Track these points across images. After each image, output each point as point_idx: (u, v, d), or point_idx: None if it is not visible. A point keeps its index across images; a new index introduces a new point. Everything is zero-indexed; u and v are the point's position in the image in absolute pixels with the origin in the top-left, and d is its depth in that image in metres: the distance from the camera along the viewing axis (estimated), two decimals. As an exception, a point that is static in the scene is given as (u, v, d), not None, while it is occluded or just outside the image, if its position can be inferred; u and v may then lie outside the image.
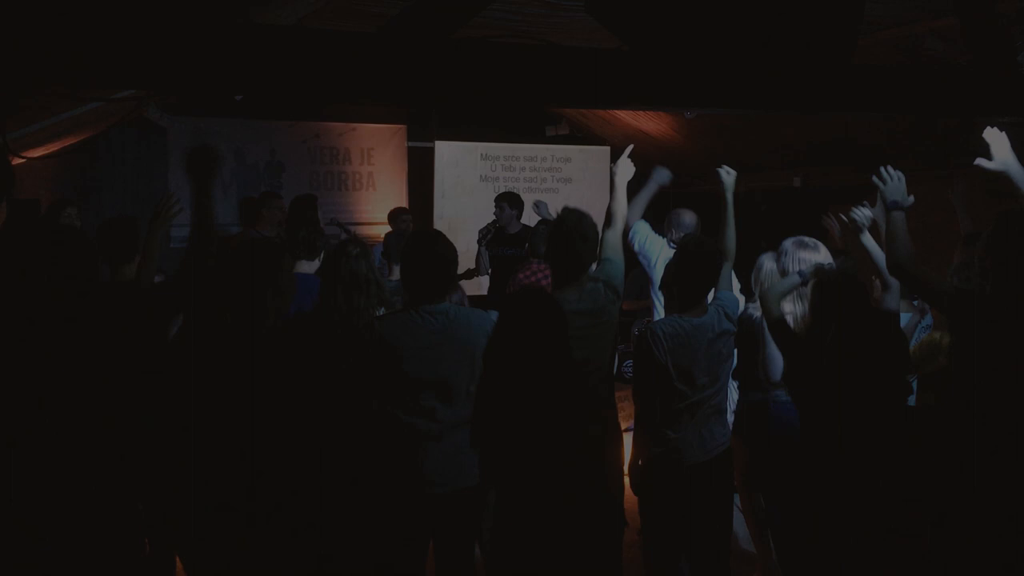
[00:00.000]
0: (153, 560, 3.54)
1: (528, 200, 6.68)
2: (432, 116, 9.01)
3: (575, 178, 9.02)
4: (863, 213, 3.60)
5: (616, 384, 3.87)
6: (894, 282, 3.36)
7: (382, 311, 3.20)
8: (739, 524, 3.86)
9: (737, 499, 3.84)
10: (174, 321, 3.22)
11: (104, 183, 8.13)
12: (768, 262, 3.85)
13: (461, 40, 2.67)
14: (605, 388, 3.51)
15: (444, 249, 3.10)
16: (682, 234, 4.77)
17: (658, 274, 4.64)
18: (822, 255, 3.63)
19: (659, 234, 4.94)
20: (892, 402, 3.27)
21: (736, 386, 3.99)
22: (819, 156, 7.40)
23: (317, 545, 2.85)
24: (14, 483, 2.44)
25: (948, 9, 4.35)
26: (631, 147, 3.88)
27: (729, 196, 3.83)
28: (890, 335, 3.32)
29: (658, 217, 5.06)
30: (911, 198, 3.18)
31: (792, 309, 3.55)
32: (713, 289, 3.52)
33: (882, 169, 3.21)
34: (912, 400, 4.02)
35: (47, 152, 7.18)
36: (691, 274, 3.38)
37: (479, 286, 6.87)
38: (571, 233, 3.39)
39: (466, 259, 6.98)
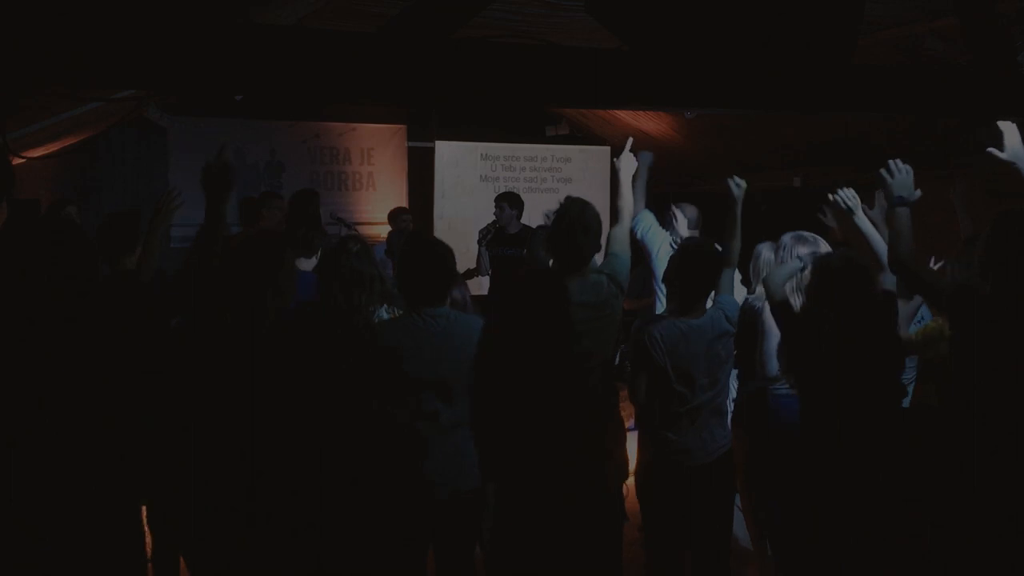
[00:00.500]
0: (156, 560, 3.55)
1: (528, 200, 6.69)
2: (432, 116, 9.02)
3: (575, 178, 9.02)
4: (848, 193, 3.59)
5: (619, 383, 3.87)
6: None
7: (385, 309, 3.20)
8: (739, 524, 3.86)
9: (737, 499, 3.84)
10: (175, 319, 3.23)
11: (104, 183, 8.13)
12: (766, 252, 3.85)
13: (461, 40, 2.66)
14: (607, 382, 3.50)
15: (441, 252, 3.10)
16: (684, 227, 4.79)
17: (660, 266, 4.64)
18: (821, 249, 3.64)
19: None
20: (891, 391, 3.26)
21: (736, 375, 3.99)
22: (819, 156, 7.40)
23: (317, 545, 2.85)
24: (14, 483, 2.44)
25: (948, 9, 4.36)
26: (631, 140, 3.86)
27: (738, 209, 3.78)
28: (888, 321, 3.30)
29: (659, 217, 5.05)
30: (918, 192, 3.16)
31: (793, 304, 3.56)
32: (714, 292, 3.51)
33: (891, 163, 3.18)
34: (911, 390, 4.03)
35: (47, 152, 7.18)
36: (691, 276, 3.37)
37: (479, 286, 6.87)
38: (573, 224, 3.37)
39: (466, 259, 6.99)
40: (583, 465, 2.92)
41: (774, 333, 3.63)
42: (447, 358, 3.01)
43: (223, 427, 2.76)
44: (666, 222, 4.95)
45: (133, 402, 2.68)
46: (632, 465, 3.68)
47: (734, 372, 3.93)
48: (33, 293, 2.51)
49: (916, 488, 3.22)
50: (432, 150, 8.65)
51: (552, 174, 9.01)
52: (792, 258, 3.60)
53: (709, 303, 3.46)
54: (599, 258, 3.54)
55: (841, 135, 6.73)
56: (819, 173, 7.70)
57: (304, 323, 3.03)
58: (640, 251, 4.72)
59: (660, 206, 5.07)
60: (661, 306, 4.77)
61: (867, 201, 3.67)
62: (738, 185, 3.78)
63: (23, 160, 5.61)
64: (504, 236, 6.52)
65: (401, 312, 3.16)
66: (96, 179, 8.12)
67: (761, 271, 3.85)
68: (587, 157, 9.12)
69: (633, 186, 3.89)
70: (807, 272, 3.42)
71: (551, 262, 3.46)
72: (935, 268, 4.14)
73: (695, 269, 3.37)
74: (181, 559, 3.46)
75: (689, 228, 4.91)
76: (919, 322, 3.91)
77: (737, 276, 3.91)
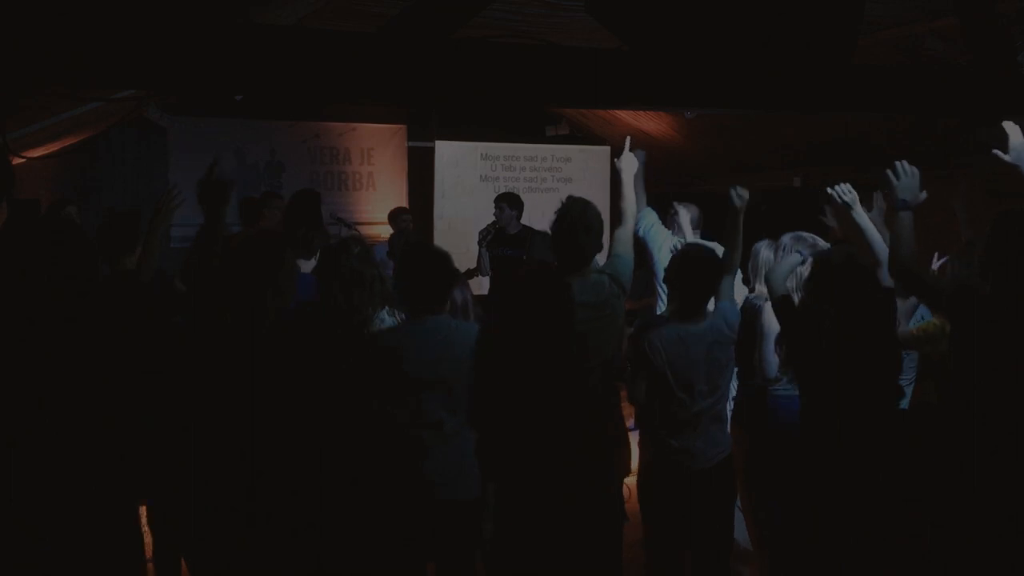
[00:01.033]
0: (158, 561, 3.55)
1: (528, 200, 6.69)
2: (432, 116, 9.02)
3: (575, 178, 9.02)
4: (845, 188, 3.58)
5: (619, 383, 3.86)
6: (886, 258, 3.36)
7: (387, 312, 3.19)
8: (738, 524, 3.86)
9: (737, 499, 3.84)
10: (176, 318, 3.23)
11: (104, 183, 8.13)
12: (765, 250, 3.86)
13: (461, 40, 2.67)
14: (607, 382, 3.50)
15: (440, 259, 3.09)
16: (688, 227, 4.79)
17: (662, 265, 4.64)
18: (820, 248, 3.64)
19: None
20: (889, 390, 3.26)
21: (736, 374, 3.99)
22: (819, 156, 7.40)
23: (317, 545, 2.85)
24: (14, 483, 2.44)
25: (948, 9, 4.36)
26: (629, 139, 3.85)
27: (739, 219, 3.73)
28: (888, 318, 3.30)
29: (660, 217, 5.05)
30: (923, 195, 3.14)
31: (793, 299, 3.55)
32: (714, 299, 3.51)
33: (897, 164, 3.16)
34: (911, 391, 4.03)
35: (47, 152, 7.18)
36: (691, 282, 3.36)
37: (479, 286, 6.88)
38: (575, 224, 3.36)
39: (467, 259, 6.99)
40: (583, 465, 2.91)
41: (772, 336, 3.63)
42: (447, 365, 3.00)
43: (223, 427, 2.76)
44: (668, 222, 4.95)
45: (133, 402, 2.68)
46: (633, 464, 3.68)
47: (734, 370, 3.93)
48: (33, 293, 2.51)
49: (916, 488, 3.22)
50: (432, 150, 8.65)
51: (552, 174, 9.01)
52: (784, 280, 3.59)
53: (710, 304, 3.46)
54: (602, 259, 3.54)
55: (841, 135, 6.73)
56: (819, 173, 7.70)
57: (304, 323, 3.03)
58: (642, 250, 4.72)
59: (660, 206, 5.07)
60: (663, 305, 4.77)
61: (865, 202, 3.66)
62: (740, 196, 3.73)
63: (23, 160, 5.61)
64: (504, 236, 6.52)
65: (404, 316, 3.17)
66: (96, 179, 8.11)
67: (760, 270, 3.85)
68: (587, 157, 9.12)
69: (635, 186, 3.88)
70: (807, 265, 3.41)
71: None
72: (938, 265, 4.14)
73: (696, 275, 3.35)
74: (182, 560, 3.45)
75: (692, 228, 4.92)
76: (920, 320, 3.92)
77: (738, 275, 3.91)
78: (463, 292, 3.53)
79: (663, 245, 4.76)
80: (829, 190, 3.65)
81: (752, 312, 3.74)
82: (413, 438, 3.01)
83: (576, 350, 2.96)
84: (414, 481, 3.01)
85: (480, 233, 6.63)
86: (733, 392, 4.02)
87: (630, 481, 3.63)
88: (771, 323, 3.60)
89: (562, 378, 2.89)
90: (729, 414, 3.70)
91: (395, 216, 7.55)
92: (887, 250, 3.47)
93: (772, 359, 3.60)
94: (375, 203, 8.92)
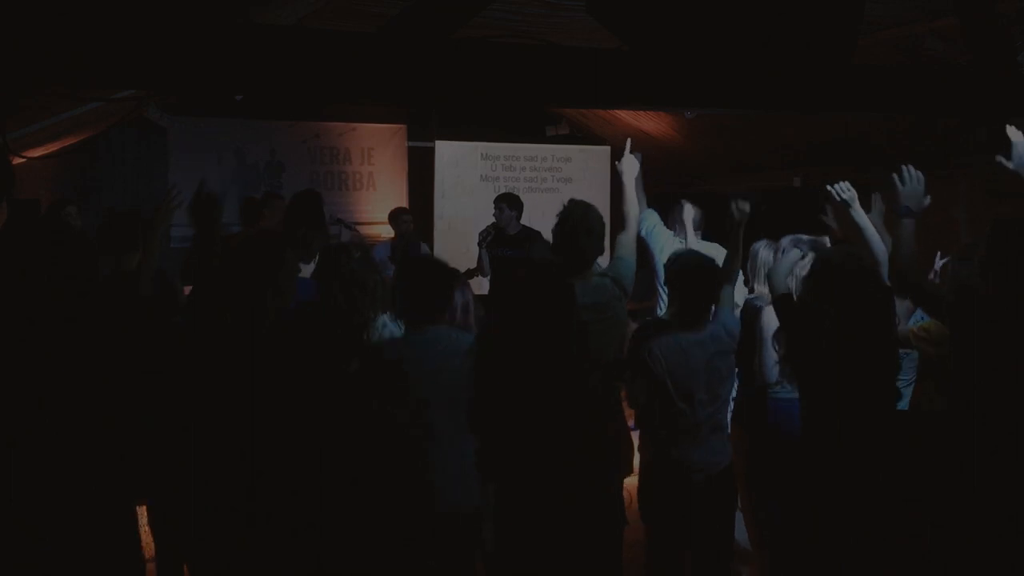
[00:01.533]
0: (160, 562, 3.55)
1: (529, 200, 6.69)
2: (432, 116, 9.01)
3: (575, 178, 9.02)
4: (844, 186, 3.58)
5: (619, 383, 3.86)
6: (884, 257, 3.36)
7: (389, 317, 3.18)
8: (738, 524, 3.86)
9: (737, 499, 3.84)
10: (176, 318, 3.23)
11: (104, 183, 8.12)
12: (763, 251, 3.86)
13: (461, 40, 2.67)
14: (608, 382, 3.49)
15: (439, 270, 3.08)
16: (691, 226, 4.79)
17: (663, 266, 4.63)
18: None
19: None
20: (888, 390, 3.26)
21: (736, 374, 3.99)
22: (819, 156, 7.40)
23: (317, 545, 2.85)
24: (14, 483, 2.44)
25: (948, 9, 4.36)
26: (630, 141, 3.85)
27: (740, 231, 3.74)
28: (887, 318, 3.30)
29: (663, 217, 5.06)
30: (927, 200, 3.13)
31: (794, 296, 3.55)
32: (714, 306, 3.51)
33: (903, 168, 3.14)
34: (911, 391, 4.03)
35: (47, 152, 7.18)
36: (691, 290, 3.35)
37: (479, 286, 6.88)
38: (576, 227, 3.37)
39: (466, 259, 6.99)
40: (583, 465, 2.91)
41: (772, 340, 3.63)
42: (447, 375, 2.99)
43: (223, 427, 2.76)
44: (672, 221, 4.95)
45: (133, 402, 2.68)
46: (634, 462, 3.68)
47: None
48: (33, 293, 2.51)
49: (916, 488, 3.22)
50: (432, 150, 8.64)
51: (552, 174, 9.00)
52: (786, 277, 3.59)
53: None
54: (603, 260, 3.53)
55: (841, 135, 6.73)
56: (819, 173, 7.70)
57: (304, 323, 3.03)
58: (643, 251, 4.73)
59: (661, 206, 5.08)
60: (663, 306, 4.77)
61: (864, 204, 3.66)
62: (740, 210, 3.73)
63: (23, 160, 5.61)
64: (504, 237, 6.52)
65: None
66: (96, 179, 8.11)
67: (759, 270, 3.84)
68: (587, 157, 9.11)
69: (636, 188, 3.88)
70: (806, 260, 3.41)
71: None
72: (939, 265, 4.13)
73: (695, 284, 3.34)
74: (183, 560, 3.45)
75: (694, 230, 4.92)
76: (920, 319, 3.91)
77: (740, 278, 3.91)
78: (464, 293, 3.48)
79: (665, 247, 4.76)
80: (828, 188, 3.65)
81: (752, 313, 3.74)
82: (413, 438, 3.00)
83: (576, 350, 2.96)
84: (414, 482, 3.00)
85: (480, 235, 6.63)
86: (733, 393, 4.02)
87: (631, 483, 3.63)
88: (771, 327, 3.59)
89: (562, 378, 2.89)
90: (729, 415, 3.70)
91: (395, 217, 7.54)
92: (884, 250, 3.47)
93: (772, 364, 3.60)
94: (375, 203, 8.91)
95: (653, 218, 4.84)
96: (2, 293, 2.53)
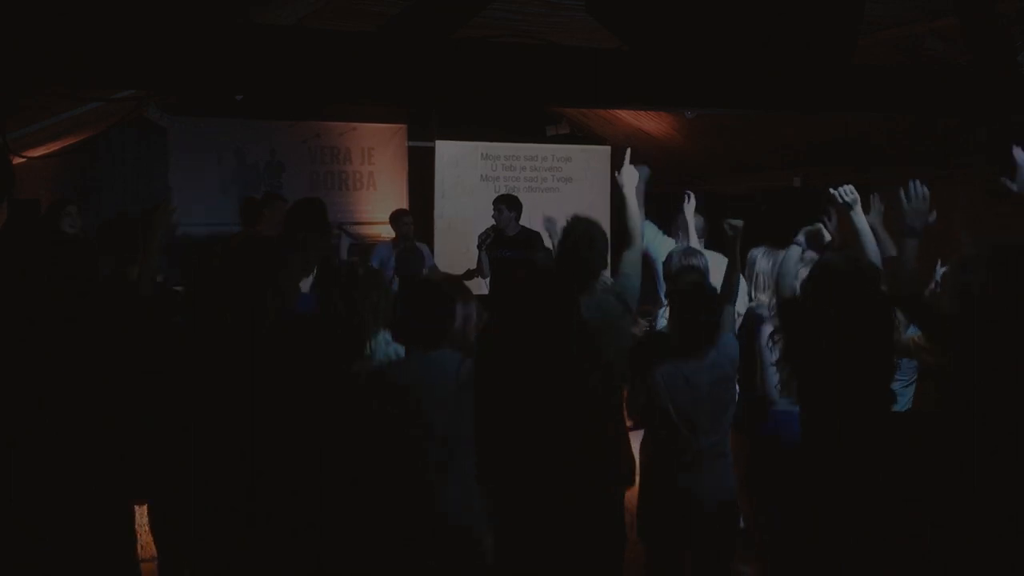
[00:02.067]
0: (161, 562, 3.54)
1: (529, 200, 6.68)
2: (432, 116, 9.01)
3: (575, 178, 9.01)
4: (847, 188, 3.58)
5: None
6: (878, 260, 3.37)
7: (388, 336, 3.14)
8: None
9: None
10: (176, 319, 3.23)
11: (104, 183, 8.12)
12: (761, 259, 3.86)
13: (461, 40, 2.67)
14: (608, 383, 3.48)
15: (438, 296, 3.05)
16: (694, 230, 4.79)
17: (663, 274, 4.63)
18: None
19: (667, 235, 4.94)
20: (886, 391, 3.26)
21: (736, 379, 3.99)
22: (819, 156, 7.40)
23: (317, 545, 2.85)
24: (14, 483, 2.44)
25: (948, 9, 4.36)
26: (629, 151, 3.85)
27: (736, 246, 3.73)
28: (886, 324, 3.30)
29: (664, 219, 5.06)
30: (933, 216, 3.12)
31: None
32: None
33: (910, 184, 3.12)
34: (911, 392, 4.03)
35: (47, 152, 7.18)
36: (690, 319, 3.32)
37: (480, 286, 6.87)
38: (579, 240, 3.38)
39: (466, 260, 6.99)
40: (583, 465, 2.91)
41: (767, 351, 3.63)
42: (448, 401, 2.96)
43: (223, 427, 2.76)
44: (675, 229, 4.95)
45: (133, 402, 2.68)
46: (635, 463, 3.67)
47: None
48: (33, 293, 2.52)
49: (916, 488, 3.22)
50: (432, 150, 8.64)
51: (552, 174, 9.00)
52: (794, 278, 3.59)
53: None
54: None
55: (841, 135, 6.73)
56: (819, 173, 7.70)
57: (304, 323, 3.03)
58: (645, 263, 4.73)
59: (661, 206, 5.08)
60: (663, 311, 4.76)
61: (864, 204, 3.66)
62: (733, 228, 3.74)
63: (23, 160, 5.61)
64: (503, 238, 6.51)
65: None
66: (96, 179, 8.11)
67: (756, 278, 3.84)
68: (587, 157, 9.11)
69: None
70: (805, 259, 3.40)
71: None
72: (940, 273, 4.12)
73: (694, 312, 3.31)
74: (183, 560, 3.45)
75: (698, 237, 4.92)
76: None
77: (744, 287, 3.91)
78: (465, 307, 3.32)
79: (664, 254, 4.76)
80: (832, 191, 3.65)
81: (754, 321, 3.73)
82: (413, 438, 2.99)
83: (577, 350, 2.95)
84: (415, 483, 3.00)
85: (479, 237, 6.62)
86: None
87: (630, 497, 3.59)
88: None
89: (562, 378, 2.89)
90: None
91: (396, 218, 7.53)
92: (878, 253, 3.48)
93: (774, 381, 3.60)
94: (375, 203, 8.92)
95: (651, 231, 4.83)
96: (2, 293, 2.53)
